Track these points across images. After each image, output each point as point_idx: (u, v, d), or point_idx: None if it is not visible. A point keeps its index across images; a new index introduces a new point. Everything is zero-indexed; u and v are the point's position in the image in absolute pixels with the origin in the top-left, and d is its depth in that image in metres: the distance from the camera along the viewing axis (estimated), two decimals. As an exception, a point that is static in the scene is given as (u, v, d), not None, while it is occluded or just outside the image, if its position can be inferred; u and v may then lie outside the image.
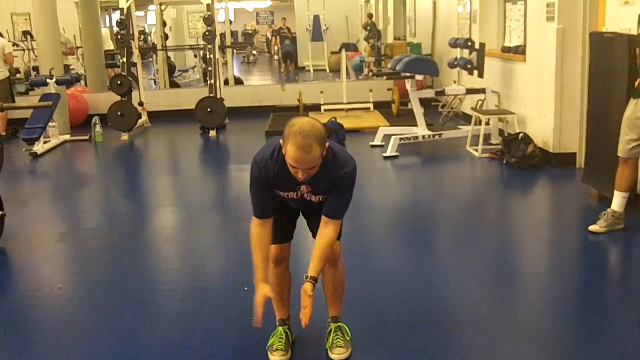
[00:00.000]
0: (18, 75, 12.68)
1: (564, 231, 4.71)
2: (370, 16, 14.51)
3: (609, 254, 4.09)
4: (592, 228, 4.32)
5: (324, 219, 2.62)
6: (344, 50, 11.12)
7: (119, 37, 9.05)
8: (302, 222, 2.91)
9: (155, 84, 13.40)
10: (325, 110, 9.44)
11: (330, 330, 2.91)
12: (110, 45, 13.69)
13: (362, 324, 3.13)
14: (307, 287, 2.55)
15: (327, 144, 2.50)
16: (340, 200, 2.61)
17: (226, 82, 10.90)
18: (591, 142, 5.28)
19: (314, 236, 2.81)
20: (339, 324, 2.94)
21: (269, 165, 2.56)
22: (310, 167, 2.42)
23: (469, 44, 7.47)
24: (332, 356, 2.84)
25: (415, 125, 7.31)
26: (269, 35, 24.92)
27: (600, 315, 3.21)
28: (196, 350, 2.98)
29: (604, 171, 4.95)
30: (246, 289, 3.62)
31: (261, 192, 2.63)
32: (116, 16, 16.04)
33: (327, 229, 2.61)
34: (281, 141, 2.47)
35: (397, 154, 6.89)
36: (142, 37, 15.23)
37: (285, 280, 2.92)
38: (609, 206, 4.38)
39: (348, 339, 2.90)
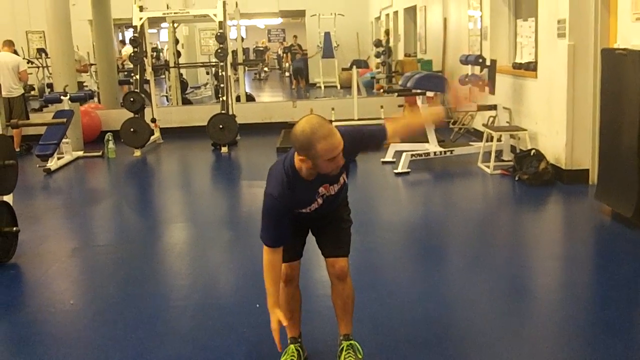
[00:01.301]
0: (32, 92, 12.82)
1: (577, 248, 4.68)
2: (387, 32, 14.56)
3: (622, 271, 4.05)
4: None
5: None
6: (354, 66, 11.16)
7: (132, 54, 9.13)
8: (310, 239, 2.91)
9: (168, 101, 13.49)
10: (336, 127, 9.45)
11: (342, 348, 2.90)
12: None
13: (372, 341, 3.11)
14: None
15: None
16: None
17: (238, 99, 10.95)
18: (603, 158, 5.25)
19: (324, 254, 2.81)
20: (351, 341, 2.92)
21: (285, 192, 2.55)
22: (339, 151, 2.44)
23: (480, 60, 7.48)
24: None
25: (427, 141, 7.31)
26: (280, 52, 25.06)
27: (614, 334, 3.17)
28: (207, 367, 2.98)
29: (617, 187, 4.93)
30: (257, 305, 3.61)
31: (280, 221, 2.60)
32: (129, 33, 16.21)
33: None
34: (297, 156, 2.48)
35: (409, 170, 6.89)
36: (155, 54, 15.36)
37: (296, 298, 2.92)
38: (622, 223, 4.35)
39: (360, 356, 2.89)
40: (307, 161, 2.46)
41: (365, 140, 2.72)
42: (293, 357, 2.86)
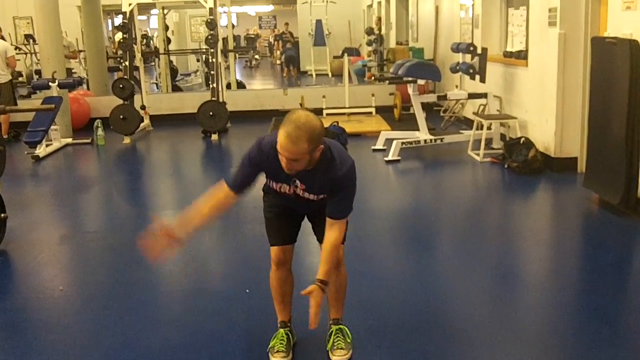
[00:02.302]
0: (20, 79, 12.72)
1: (565, 235, 4.71)
2: (379, 20, 14.54)
3: (609, 257, 4.08)
4: None
5: (328, 220, 2.62)
6: (346, 54, 11.14)
7: (121, 40, 9.07)
8: (305, 224, 2.92)
9: (157, 88, 13.43)
10: (327, 115, 9.45)
11: (331, 332, 2.92)
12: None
13: (362, 326, 3.13)
14: (310, 287, 2.53)
15: (323, 146, 2.49)
16: (341, 201, 2.61)
17: (228, 86, 10.92)
18: (592, 147, 5.29)
19: (319, 240, 2.81)
20: (340, 325, 2.94)
21: (268, 150, 2.55)
22: (293, 157, 2.41)
23: (471, 48, 7.49)
24: (332, 358, 2.85)
25: (417, 129, 7.32)
26: (271, 40, 24.97)
27: (601, 319, 3.21)
28: (198, 352, 2.99)
29: (605, 176, 4.96)
30: (247, 291, 3.63)
31: (248, 170, 2.62)
32: (118, 20, 16.10)
33: (332, 230, 2.61)
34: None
35: (399, 158, 6.90)
36: (145, 40, 15.25)
37: (288, 282, 2.93)
38: (610, 211, 4.38)
39: (349, 340, 2.91)
40: None
41: (333, 202, 2.61)
42: (282, 342, 2.88)
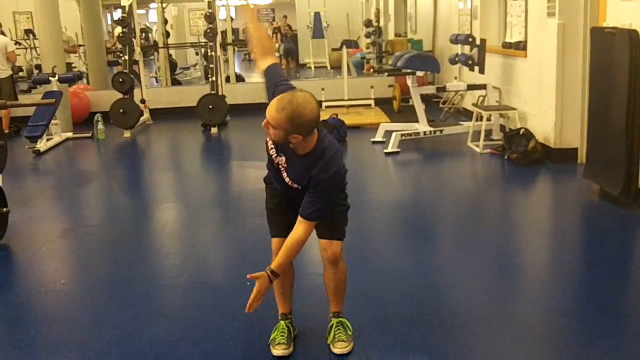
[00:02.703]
0: (20, 74, 12.71)
1: (565, 226, 4.72)
2: (377, 12, 14.50)
3: (610, 248, 4.10)
4: None
5: (299, 216, 2.65)
6: (344, 47, 11.12)
7: (121, 34, 9.06)
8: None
9: (157, 82, 13.41)
10: (326, 107, 9.45)
11: (332, 325, 2.93)
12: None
13: (363, 319, 3.14)
14: (259, 273, 2.64)
15: (315, 139, 2.56)
16: (312, 201, 2.61)
17: (227, 79, 10.90)
18: (592, 138, 5.29)
19: (318, 235, 2.82)
20: (341, 318, 2.95)
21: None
22: (270, 121, 2.50)
23: (470, 40, 7.48)
24: (334, 350, 2.86)
25: (416, 121, 7.32)
26: (270, 33, 24.91)
27: (602, 309, 3.22)
28: (198, 345, 3.00)
29: (605, 166, 4.97)
30: (248, 283, 3.63)
31: None
32: (117, 14, 16.07)
33: (298, 228, 2.64)
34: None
35: (398, 149, 6.90)
36: (144, 34, 15.22)
37: (288, 275, 2.93)
38: (610, 201, 4.39)
39: (350, 333, 2.92)
40: None
41: (306, 200, 2.63)
42: (283, 334, 2.89)
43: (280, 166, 2.71)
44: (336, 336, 2.88)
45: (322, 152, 2.58)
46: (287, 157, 2.66)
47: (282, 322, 2.95)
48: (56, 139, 8.27)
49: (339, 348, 2.86)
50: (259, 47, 2.93)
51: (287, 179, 2.71)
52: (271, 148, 2.72)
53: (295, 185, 2.70)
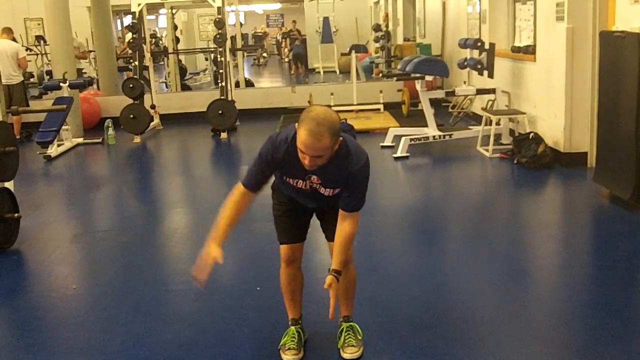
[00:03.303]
0: (31, 80, 12.83)
1: (575, 230, 4.71)
2: (386, 17, 14.54)
3: (620, 252, 4.08)
4: None
5: (341, 212, 2.63)
6: (353, 51, 11.14)
7: (131, 40, 9.12)
8: (314, 222, 2.93)
9: (167, 87, 13.48)
10: (336, 112, 9.46)
11: (342, 330, 2.93)
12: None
13: (373, 323, 3.15)
14: (328, 279, 2.60)
15: (340, 138, 2.51)
16: (354, 195, 2.62)
17: (237, 84, 10.95)
18: (602, 141, 5.27)
19: (328, 238, 2.83)
20: (351, 323, 2.96)
21: (281, 145, 2.57)
22: (317, 154, 2.43)
23: (479, 44, 7.48)
24: (344, 355, 2.86)
25: (425, 125, 7.32)
26: (279, 38, 24.99)
27: (611, 314, 3.21)
28: (208, 350, 3.02)
29: (615, 170, 4.95)
30: (258, 288, 3.66)
31: (263, 168, 2.63)
32: (127, 20, 16.16)
33: (345, 223, 2.63)
34: (296, 125, 2.48)
35: (408, 154, 6.91)
36: (153, 40, 15.32)
37: (297, 280, 2.94)
38: (620, 205, 4.38)
39: (360, 338, 2.92)
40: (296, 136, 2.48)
41: (347, 196, 2.62)
42: (293, 339, 2.90)
43: (313, 185, 2.66)
44: (346, 341, 2.89)
45: (345, 146, 2.57)
46: (317, 172, 2.60)
47: (292, 328, 2.95)
48: (67, 145, 8.33)
49: (348, 353, 2.86)
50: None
51: (325, 192, 2.66)
52: (296, 182, 2.68)
53: (326, 192, 2.66)
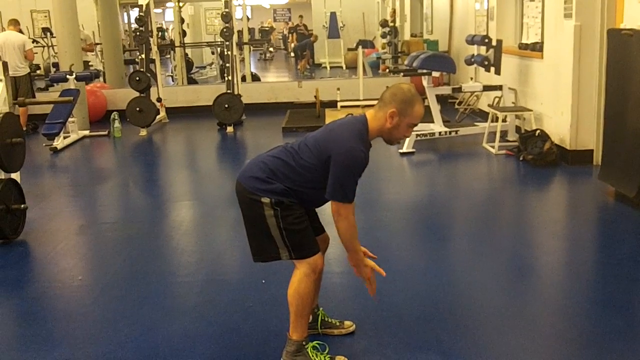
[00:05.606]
0: (38, 72, 12.85)
1: (580, 228, 4.71)
2: (393, 12, 14.52)
3: (625, 250, 4.08)
4: None
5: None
6: (360, 47, 11.13)
7: (137, 33, 9.13)
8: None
9: (173, 80, 13.49)
10: (342, 107, 9.47)
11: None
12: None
13: (378, 317, 3.16)
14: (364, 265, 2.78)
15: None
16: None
17: (243, 79, 10.96)
18: (608, 139, 5.26)
19: (314, 233, 2.80)
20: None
21: (365, 146, 2.63)
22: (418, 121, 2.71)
23: (486, 40, 7.46)
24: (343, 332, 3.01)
25: (432, 121, 7.32)
26: (286, 32, 24.97)
27: (616, 311, 3.21)
28: (214, 341, 3.03)
29: (621, 168, 4.95)
30: (263, 281, 3.67)
31: (358, 176, 2.63)
32: (134, 13, 16.17)
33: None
34: (391, 110, 2.60)
35: (413, 150, 6.91)
36: (160, 33, 15.33)
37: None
38: (626, 203, 4.37)
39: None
40: (396, 117, 2.61)
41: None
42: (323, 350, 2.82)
43: None
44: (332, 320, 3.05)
45: (348, 130, 2.71)
46: None
47: (310, 344, 2.80)
48: (73, 137, 8.35)
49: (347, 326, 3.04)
50: None
51: None
52: None
53: None
